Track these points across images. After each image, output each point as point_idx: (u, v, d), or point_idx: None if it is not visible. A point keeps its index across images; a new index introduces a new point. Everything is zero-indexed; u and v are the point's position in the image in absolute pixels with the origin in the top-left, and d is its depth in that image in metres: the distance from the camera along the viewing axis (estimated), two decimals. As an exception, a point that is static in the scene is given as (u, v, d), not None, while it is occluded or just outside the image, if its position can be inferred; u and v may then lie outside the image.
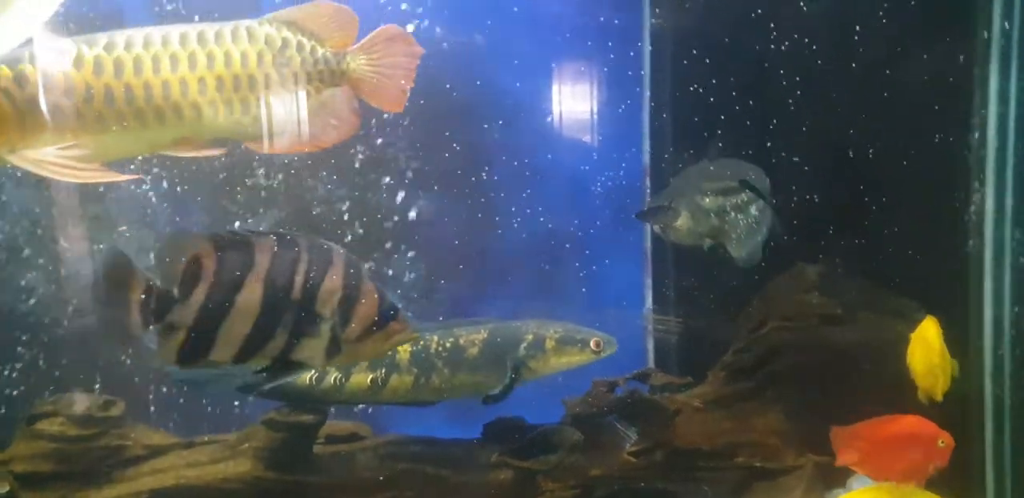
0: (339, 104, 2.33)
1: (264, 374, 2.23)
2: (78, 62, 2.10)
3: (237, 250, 2.09)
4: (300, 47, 2.28)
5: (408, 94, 2.41)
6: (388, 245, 3.86)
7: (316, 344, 2.14)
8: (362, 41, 2.37)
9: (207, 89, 2.17)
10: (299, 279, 2.08)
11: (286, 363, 2.15)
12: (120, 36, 2.17)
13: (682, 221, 2.99)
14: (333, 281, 2.12)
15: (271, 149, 2.28)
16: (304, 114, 2.28)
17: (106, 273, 2.08)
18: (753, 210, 2.94)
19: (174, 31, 2.21)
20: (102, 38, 2.16)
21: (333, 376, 2.97)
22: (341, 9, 2.35)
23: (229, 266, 2.07)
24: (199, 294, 2.05)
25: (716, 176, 3.04)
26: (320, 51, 2.31)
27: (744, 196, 2.96)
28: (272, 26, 2.27)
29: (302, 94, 2.28)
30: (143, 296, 2.05)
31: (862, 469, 2.71)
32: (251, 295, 2.06)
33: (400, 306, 2.24)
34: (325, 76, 2.32)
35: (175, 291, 2.06)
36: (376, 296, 2.18)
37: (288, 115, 2.26)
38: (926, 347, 2.69)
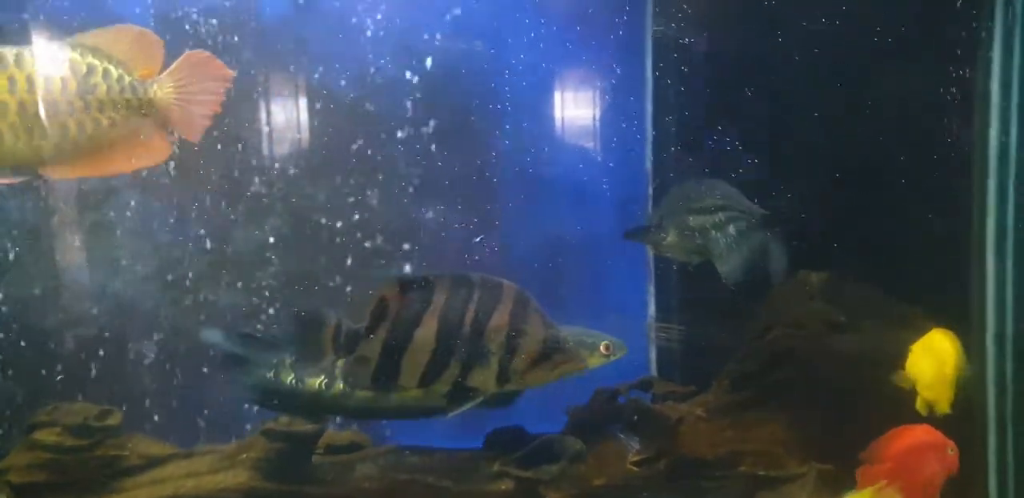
0: (147, 131, 2.32)
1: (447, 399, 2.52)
2: None
3: (418, 291, 2.43)
4: (106, 74, 2.25)
5: (211, 122, 2.39)
6: (392, 253, 3.85)
7: (487, 373, 2.43)
8: (170, 68, 2.34)
9: (8, 113, 2.15)
10: (469, 316, 2.41)
11: (463, 388, 2.45)
12: None
13: (671, 239, 3.05)
14: (501, 318, 2.41)
15: (71, 175, 2.29)
16: (108, 141, 2.27)
17: (302, 317, 2.44)
18: (732, 229, 2.98)
19: None
20: None
21: (339, 386, 2.97)
22: (144, 34, 2.33)
23: (410, 305, 2.42)
24: (384, 330, 2.40)
25: (699, 195, 3.09)
26: (127, 79, 2.28)
27: (722, 215, 3.01)
28: (78, 51, 2.23)
29: (107, 121, 2.26)
30: (334, 334, 2.40)
31: (892, 487, 2.68)
32: (428, 331, 2.40)
33: (566, 339, 2.47)
34: (132, 104, 2.29)
35: (362, 328, 2.42)
36: (541, 331, 2.44)
37: (90, 142, 2.24)
38: (938, 359, 2.68)
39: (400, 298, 2.42)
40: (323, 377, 2.97)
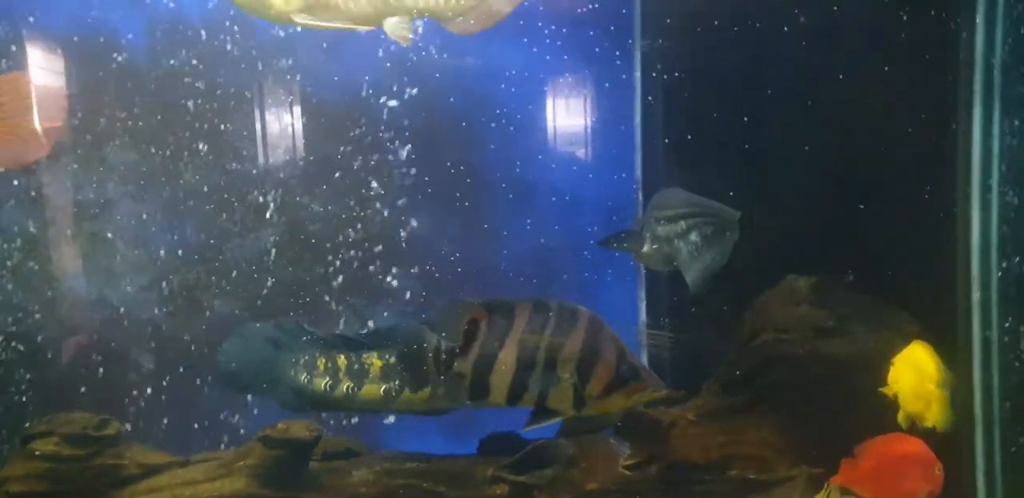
0: None
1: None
2: None
3: (502, 315, 2.58)
4: None
5: (49, 132, 2.47)
6: (385, 261, 3.88)
7: (563, 397, 2.55)
8: None
9: None
10: (544, 342, 2.53)
11: (545, 410, 2.58)
12: None
13: (645, 248, 3.10)
14: (573, 345, 2.53)
15: None
16: None
17: (405, 337, 2.66)
18: (693, 237, 3.03)
19: None
20: None
21: (345, 385, 3.03)
22: None
23: (495, 328, 2.57)
24: (475, 350, 2.57)
25: (664, 204, 3.14)
26: None
27: (684, 223, 3.05)
28: None
29: None
30: (435, 352, 2.61)
31: (860, 489, 2.70)
32: (508, 354, 2.55)
33: (642, 368, 2.56)
34: None
35: (457, 348, 2.59)
36: (613, 359, 2.54)
37: None
38: (919, 373, 2.67)
39: (487, 321, 2.59)
40: (328, 379, 3.04)
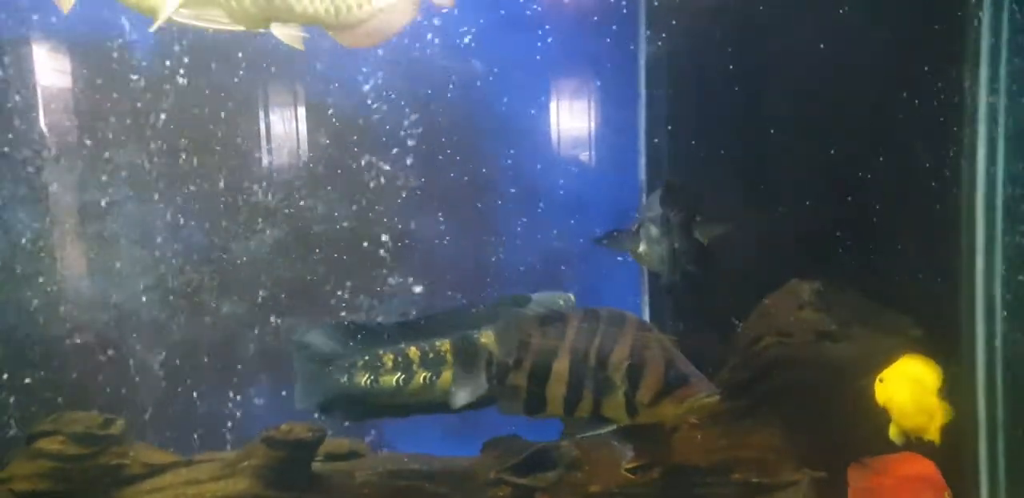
0: None
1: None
2: None
3: (554, 326, 2.56)
4: None
5: None
6: (390, 264, 3.89)
7: (616, 405, 2.50)
8: None
9: None
10: (594, 351, 2.51)
11: (600, 418, 2.54)
12: None
13: (642, 247, 3.09)
14: (622, 352, 2.49)
15: None
16: None
17: (460, 349, 2.63)
18: (654, 227, 3.04)
19: None
20: None
21: (422, 376, 3.01)
22: None
23: (548, 340, 2.56)
24: (527, 363, 2.54)
25: (651, 205, 3.14)
26: None
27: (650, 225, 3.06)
28: None
29: None
30: (487, 363, 2.59)
31: None
32: (561, 364, 2.52)
33: (693, 373, 2.50)
34: None
35: (510, 361, 2.57)
36: (662, 366, 2.48)
37: None
38: (917, 385, 2.61)
39: (540, 332, 2.57)
40: (400, 373, 3.03)
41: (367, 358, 3.07)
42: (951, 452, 2.74)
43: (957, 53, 3.22)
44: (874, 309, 3.32)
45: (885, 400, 2.67)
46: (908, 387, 2.63)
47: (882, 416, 2.75)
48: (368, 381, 3.04)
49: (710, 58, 3.69)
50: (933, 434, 2.60)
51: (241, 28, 2.28)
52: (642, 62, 4.03)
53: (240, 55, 3.68)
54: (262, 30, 2.32)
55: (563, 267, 4.08)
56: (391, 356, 3.05)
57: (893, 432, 2.67)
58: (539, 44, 3.93)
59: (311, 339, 3.12)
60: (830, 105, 3.43)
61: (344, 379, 3.07)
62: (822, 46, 3.37)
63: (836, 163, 3.47)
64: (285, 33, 2.30)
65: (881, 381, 2.69)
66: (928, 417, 2.60)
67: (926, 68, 3.27)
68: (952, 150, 3.25)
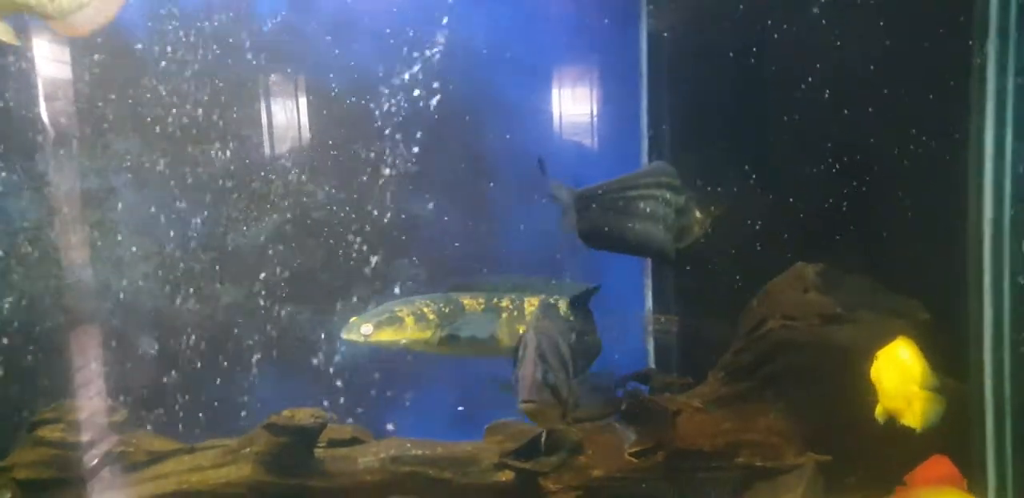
0: None
1: None
2: None
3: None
4: None
5: None
6: (394, 248, 3.89)
7: None
8: None
9: None
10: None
11: None
12: None
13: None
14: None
15: None
16: None
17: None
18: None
19: None
20: None
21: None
22: None
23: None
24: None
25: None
26: None
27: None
28: None
29: None
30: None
31: None
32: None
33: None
34: None
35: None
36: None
37: None
38: (900, 371, 2.60)
39: None
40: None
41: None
42: (959, 436, 2.72)
43: (966, 34, 3.18)
44: (880, 292, 3.30)
45: (875, 378, 2.66)
46: (894, 370, 2.62)
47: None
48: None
49: (713, 41, 3.66)
50: (911, 420, 2.57)
51: None
52: (644, 45, 4.00)
53: (241, 37, 3.67)
54: None
55: (566, 251, 4.06)
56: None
57: (877, 410, 2.66)
58: (539, 28, 3.90)
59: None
60: (836, 87, 3.40)
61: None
62: (827, 24, 3.33)
63: (843, 146, 3.44)
64: None
65: (876, 359, 2.68)
66: (906, 403, 2.58)
67: (934, 46, 3.23)
68: (961, 131, 3.21)
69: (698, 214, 3.02)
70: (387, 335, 3.08)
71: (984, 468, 3.13)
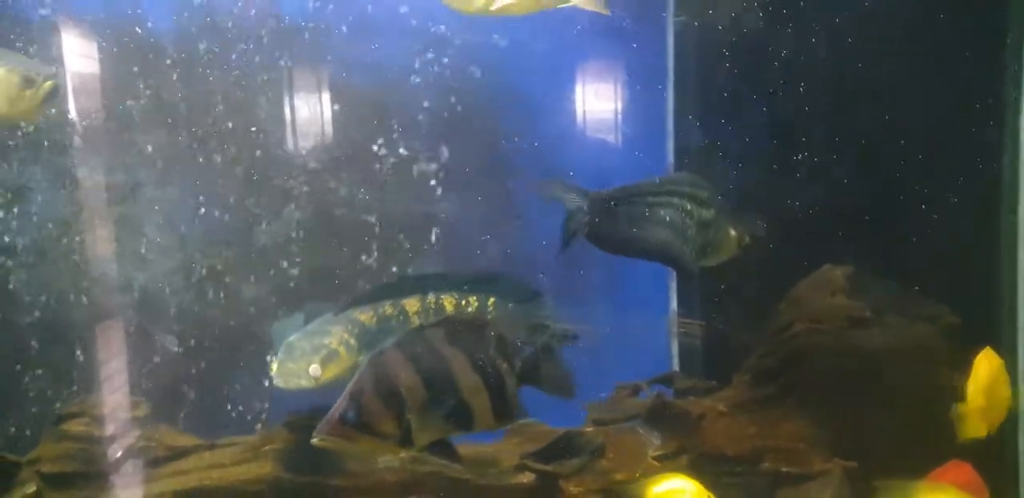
0: None
1: None
2: None
3: None
4: None
5: None
6: (418, 245, 3.88)
7: None
8: None
9: None
10: None
11: None
12: None
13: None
14: None
15: None
16: None
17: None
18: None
19: None
20: None
21: None
22: None
23: None
24: None
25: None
26: None
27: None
28: None
29: None
30: None
31: None
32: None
33: None
34: None
35: None
36: None
37: None
38: (995, 379, 2.62)
39: None
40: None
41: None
42: (989, 445, 2.67)
43: (1000, 30, 3.12)
44: (909, 296, 3.25)
45: (973, 379, 2.66)
46: (989, 376, 2.63)
47: (912, 404, 2.70)
48: None
49: (741, 37, 3.62)
50: (978, 428, 2.59)
51: None
52: (671, 41, 3.96)
53: (263, 33, 3.67)
54: None
55: (590, 252, 4.03)
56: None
57: (957, 410, 2.66)
58: (563, 23, 3.86)
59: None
60: (867, 87, 3.35)
61: None
62: (857, 24, 3.29)
63: (873, 147, 3.39)
64: None
65: (977, 361, 2.69)
66: (985, 411, 2.59)
67: (968, 44, 3.18)
68: (994, 131, 3.16)
69: (732, 232, 2.95)
70: (331, 371, 2.91)
71: (1016, 479, 3.08)
